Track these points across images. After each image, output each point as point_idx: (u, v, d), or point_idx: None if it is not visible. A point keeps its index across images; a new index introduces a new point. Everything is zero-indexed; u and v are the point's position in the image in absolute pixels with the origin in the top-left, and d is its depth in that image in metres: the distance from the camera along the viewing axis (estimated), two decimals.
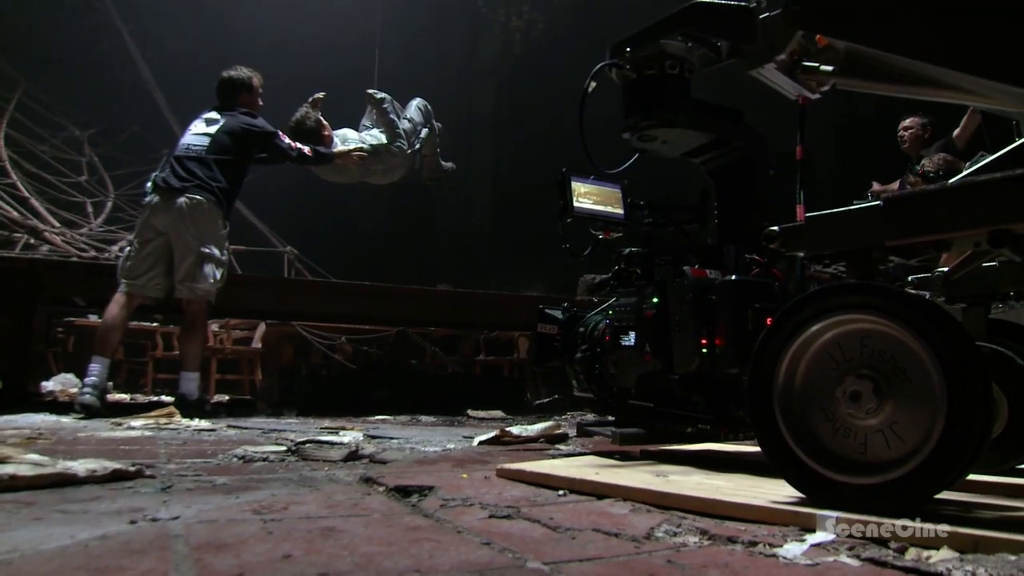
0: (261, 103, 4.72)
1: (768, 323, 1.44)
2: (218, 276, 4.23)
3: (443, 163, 5.79)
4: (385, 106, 5.14)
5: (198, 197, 4.15)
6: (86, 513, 1.32)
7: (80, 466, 1.75)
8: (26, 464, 1.72)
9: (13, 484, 1.59)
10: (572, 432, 2.83)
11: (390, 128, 5.08)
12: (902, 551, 1.10)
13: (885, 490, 1.26)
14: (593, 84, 2.20)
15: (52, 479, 1.65)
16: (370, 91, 5.25)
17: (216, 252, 4.21)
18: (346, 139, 5.09)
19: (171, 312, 6.32)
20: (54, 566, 0.94)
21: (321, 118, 4.96)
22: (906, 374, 1.29)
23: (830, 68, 1.86)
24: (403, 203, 11.57)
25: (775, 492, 1.42)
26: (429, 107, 5.50)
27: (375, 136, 5.11)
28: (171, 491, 1.60)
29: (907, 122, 5.54)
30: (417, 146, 5.29)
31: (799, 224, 1.43)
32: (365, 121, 5.36)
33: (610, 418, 2.56)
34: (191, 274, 4.14)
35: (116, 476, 1.76)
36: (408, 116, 5.34)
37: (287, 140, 4.56)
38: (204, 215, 4.17)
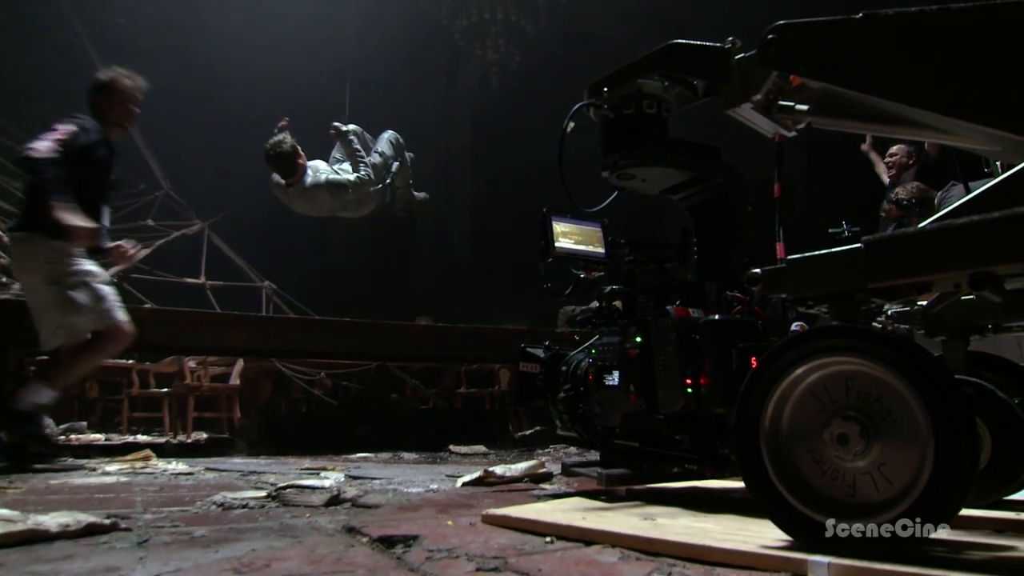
0: (134, 110, 4.02)
1: (753, 362, 1.43)
2: (87, 303, 3.61)
3: (416, 193, 5.80)
4: (350, 138, 5.13)
5: (18, 234, 3.67)
6: (58, 574, 1.28)
7: (52, 521, 1.69)
8: None
9: None
10: (556, 470, 2.80)
11: (354, 161, 5.08)
12: None
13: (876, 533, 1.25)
14: (571, 124, 2.21)
15: (22, 536, 1.59)
16: (335, 124, 5.25)
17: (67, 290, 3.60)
18: (317, 170, 5.08)
19: (147, 350, 6.23)
20: None
21: (296, 144, 4.94)
22: (892, 415, 1.28)
23: (805, 107, 1.88)
24: (381, 236, 11.56)
25: (764, 535, 1.40)
26: (400, 139, 5.51)
27: (346, 170, 5.11)
28: (147, 546, 1.55)
29: (893, 150, 5.63)
30: (388, 180, 5.29)
31: (781, 267, 1.43)
32: (335, 153, 5.37)
33: (595, 456, 2.53)
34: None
35: (90, 531, 1.70)
36: (379, 149, 5.35)
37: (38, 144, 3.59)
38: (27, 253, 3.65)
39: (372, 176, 5.11)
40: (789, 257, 1.42)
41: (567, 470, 2.41)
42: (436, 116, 12.60)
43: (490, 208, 11.86)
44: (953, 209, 1.26)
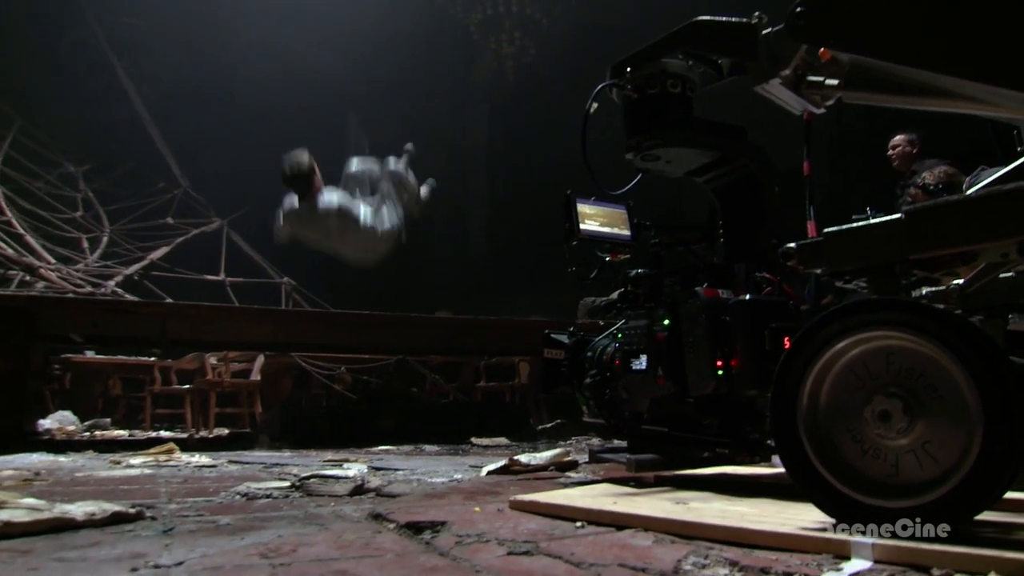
0: None
1: (786, 343, 1.39)
2: None
3: (422, 191, 5.72)
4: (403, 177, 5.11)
5: None
6: (84, 561, 1.26)
7: (78, 510, 1.68)
8: (22, 509, 1.66)
9: (8, 531, 1.52)
10: (582, 459, 2.76)
11: (392, 202, 5.04)
12: None
13: (921, 513, 1.20)
14: (595, 105, 2.17)
15: (49, 524, 1.58)
16: (409, 146, 5.21)
17: None
18: (331, 202, 5.00)
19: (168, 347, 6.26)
20: None
21: (315, 166, 4.91)
22: (937, 391, 1.23)
23: (835, 82, 1.83)
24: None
25: (802, 517, 1.36)
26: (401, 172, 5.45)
27: (369, 215, 5.05)
28: (173, 533, 1.53)
29: (894, 140, 5.54)
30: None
31: (817, 240, 1.38)
32: (360, 167, 5.31)
33: (619, 443, 2.49)
34: None
35: (116, 519, 1.68)
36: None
37: None
38: None
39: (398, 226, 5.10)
40: (825, 230, 1.37)
41: (594, 456, 2.38)
42: (451, 110, 12.57)
43: (507, 201, 11.82)
44: (1000, 176, 1.21)
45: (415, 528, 1.50)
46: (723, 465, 2.24)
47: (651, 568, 1.14)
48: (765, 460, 2.15)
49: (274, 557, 1.25)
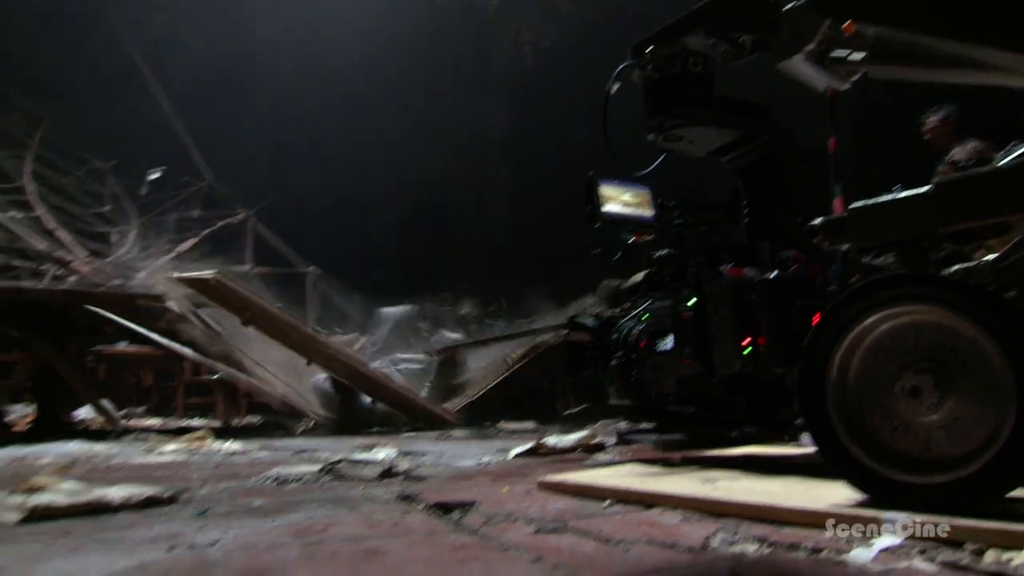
0: None
1: (814, 321, 1.37)
2: None
3: None
4: None
5: None
6: (122, 541, 1.29)
7: (115, 493, 1.72)
8: (62, 492, 1.70)
9: (49, 513, 1.57)
10: (609, 441, 2.76)
11: None
12: (979, 553, 1.03)
13: (953, 489, 1.19)
14: (616, 86, 2.16)
15: (88, 507, 1.63)
16: None
17: None
18: None
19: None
20: None
21: None
22: (968, 367, 1.22)
23: (860, 56, 1.80)
24: (420, 219, 11.56)
25: (831, 495, 1.35)
26: None
27: None
28: (207, 515, 1.56)
29: (928, 121, 5.42)
30: None
31: (843, 215, 1.37)
32: None
33: (646, 426, 2.49)
34: None
35: (151, 502, 1.73)
36: None
37: None
38: None
39: None
40: (851, 205, 1.35)
41: (622, 438, 2.37)
42: (469, 97, 12.53)
43: (527, 188, 11.77)
44: None
45: (444, 508, 1.51)
46: (751, 445, 2.22)
47: (680, 544, 1.14)
48: (793, 439, 2.13)
49: (306, 536, 1.27)
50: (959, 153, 4.23)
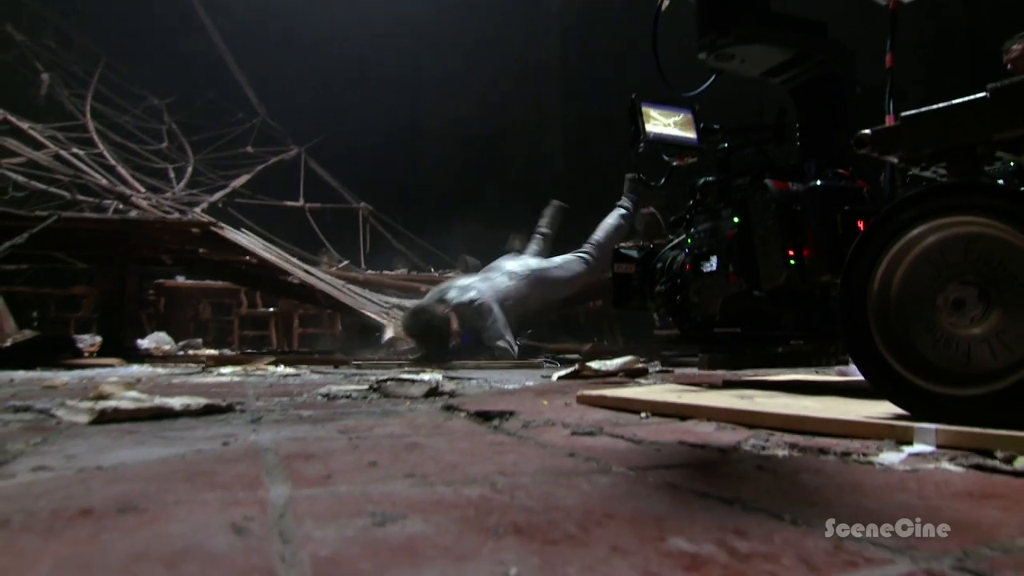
0: None
1: (860, 227, 1.36)
2: None
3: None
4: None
5: None
6: (183, 439, 1.38)
7: (176, 401, 1.84)
8: (127, 399, 1.83)
9: (116, 416, 1.68)
10: (653, 367, 2.80)
11: None
12: (1010, 460, 1.04)
13: (991, 401, 1.19)
14: (666, 2, 2.11)
15: (151, 412, 1.74)
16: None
17: None
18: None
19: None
20: (154, 471, 0.98)
21: None
22: (1017, 280, 1.20)
23: None
24: (472, 156, 11.55)
25: (868, 411, 1.36)
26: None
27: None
28: (260, 422, 1.65)
29: (1011, 48, 5.13)
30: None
31: (893, 125, 1.34)
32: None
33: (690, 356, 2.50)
34: None
35: (209, 410, 1.84)
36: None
37: None
38: None
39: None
40: (903, 113, 1.32)
41: (666, 361, 2.40)
42: (524, 29, 12.30)
43: (582, 121, 11.60)
44: None
45: (485, 416, 1.58)
46: (796, 371, 2.23)
47: (710, 446, 1.18)
48: (842, 361, 2.12)
49: (352, 433, 1.35)
50: None
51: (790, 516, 0.73)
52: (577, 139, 11.23)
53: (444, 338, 4.59)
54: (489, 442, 1.24)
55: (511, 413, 1.59)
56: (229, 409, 1.87)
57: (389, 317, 5.36)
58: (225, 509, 0.77)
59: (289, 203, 9.43)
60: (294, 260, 5.82)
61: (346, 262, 8.76)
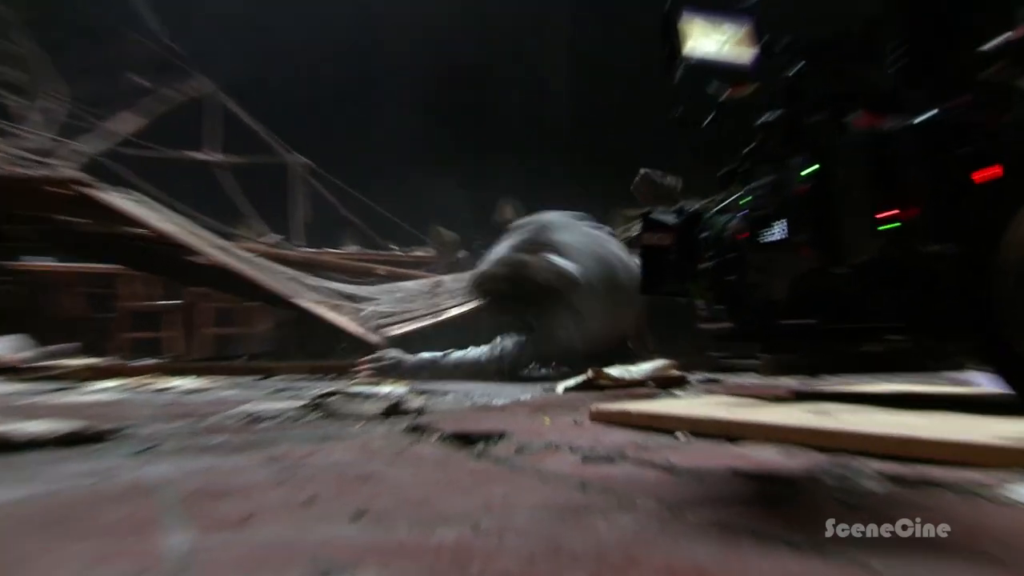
0: None
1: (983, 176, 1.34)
2: None
3: None
4: None
5: None
6: (43, 475, 1.35)
7: (30, 427, 1.80)
8: None
9: None
10: (695, 376, 2.80)
11: None
12: None
13: None
14: None
15: None
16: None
17: None
18: None
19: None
20: (5, 516, 0.97)
21: None
22: None
23: None
24: (448, 94, 11.51)
25: (998, 429, 1.34)
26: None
27: None
28: (150, 452, 1.63)
29: None
30: None
31: None
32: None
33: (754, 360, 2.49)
34: None
35: (73, 440, 1.79)
36: None
37: None
38: None
39: None
40: None
41: (714, 362, 2.38)
42: None
43: (596, 54, 11.57)
44: None
45: (465, 439, 1.57)
46: (895, 375, 2.21)
47: (773, 475, 1.17)
48: (960, 358, 2.09)
49: (280, 462, 1.34)
50: None
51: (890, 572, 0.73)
52: (591, 71, 11.20)
53: None
54: (470, 471, 1.24)
55: (500, 435, 1.59)
56: (102, 437, 1.84)
57: (341, 311, 5.35)
58: (101, 563, 0.76)
59: (198, 155, 9.40)
60: (204, 233, 5.79)
61: (278, 237, 8.75)
